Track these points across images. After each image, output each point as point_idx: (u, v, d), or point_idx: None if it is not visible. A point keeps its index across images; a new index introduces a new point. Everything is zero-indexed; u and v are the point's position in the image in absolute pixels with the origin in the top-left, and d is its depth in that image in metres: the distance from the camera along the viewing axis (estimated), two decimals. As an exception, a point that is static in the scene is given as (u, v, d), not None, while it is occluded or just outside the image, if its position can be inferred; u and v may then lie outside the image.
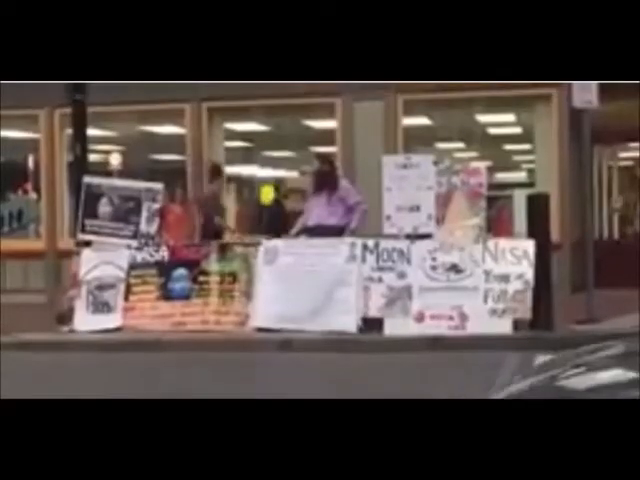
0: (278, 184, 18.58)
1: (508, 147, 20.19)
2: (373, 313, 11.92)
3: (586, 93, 12.19)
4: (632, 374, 3.58)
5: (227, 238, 14.09)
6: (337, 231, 12.66)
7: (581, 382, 3.67)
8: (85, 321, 12.71)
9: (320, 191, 12.99)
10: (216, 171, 14.88)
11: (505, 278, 11.57)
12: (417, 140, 16.75)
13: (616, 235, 17.88)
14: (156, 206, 13.13)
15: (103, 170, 16.41)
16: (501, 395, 3.64)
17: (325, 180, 13.03)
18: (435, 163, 12.39)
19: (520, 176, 19.78)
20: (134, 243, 12.92)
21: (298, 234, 13.05)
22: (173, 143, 17.52)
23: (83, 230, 13.27)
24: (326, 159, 13.62)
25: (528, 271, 11.55)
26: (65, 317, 12.88)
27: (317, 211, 12.91)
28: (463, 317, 11.57)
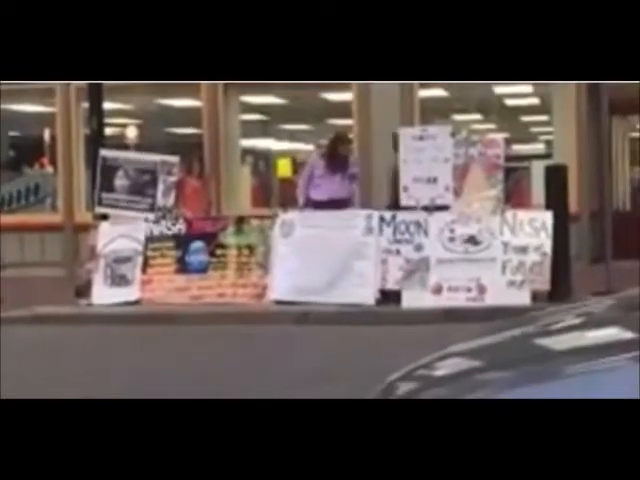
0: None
1: (525, 119, 20.10)
2: (391, 286, 11.91)
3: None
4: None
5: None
6: (346, 203, 12.96)
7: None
8: (103, 294, 12.74)
9: (335, 169, 13.00)
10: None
11: (523, 250, 11.54)
12: (434, 112, 16.68)
13: (632, 206, 17.80)
14: (172, 179, 13.14)
15: (119, 143, 16.40)
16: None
17: (342, 161, 13.11)
18: (452, 135, 12.35)
19: (538, 148, 19.69)
20: (151, 216, 12.93)
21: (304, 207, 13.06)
22: (189, 116, 17.50)
23: (100, 203, 13.29)
24: (346, 140, 13.64)
25: (546, 242, 11.51)
26: (83, 290, 12.92)
27: (331, 187, 12.96)
28: (481, 289, 11.56)
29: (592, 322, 3.89)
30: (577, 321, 3.99)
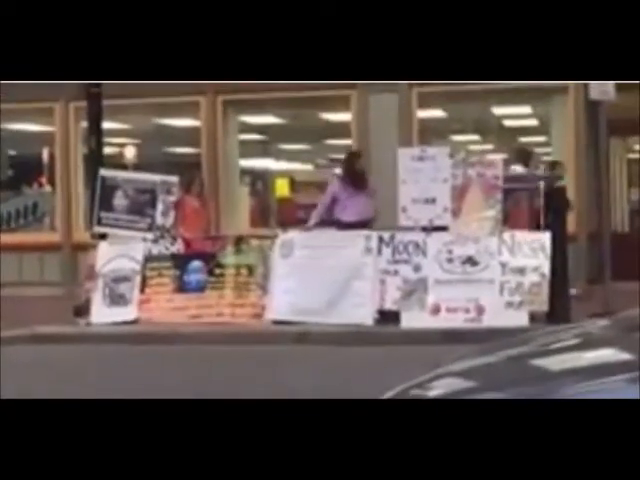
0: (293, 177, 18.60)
1: (524, 139, 20.13)
2: (389, 306, 11.91)
3: (603, 85, 12.14)
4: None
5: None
6: (371, 223, 12.88)
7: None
8: (101, 314, 12.73)
9: (357, 189, 13.03)
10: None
11: (521, 270, 11.54)
12: (432, 132, 16.71)
13: (630, 228, 17.80)
14: (171, 199, 13.15)
15: (118, 163, 16.43)
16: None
17: (361, 178, 13.14)
18: (451, 155, 12.36)
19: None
20: (150, 236, 12.94)
21: (315, 227, 13.07)
22: (188, 136, 17.53)
23: (99, 223, 13.29)
24: (360, 156, 13.72)
25: (544, 263, 11.52)
26: (82, 310, 12.90)
27: (358, 208, 12.93)
28: (479, 310, 11.55)
29: (587, 343, 3.89)
30: (572, 342, 3.99)
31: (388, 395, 3.65)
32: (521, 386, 3.35)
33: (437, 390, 3.55)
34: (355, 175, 13.22)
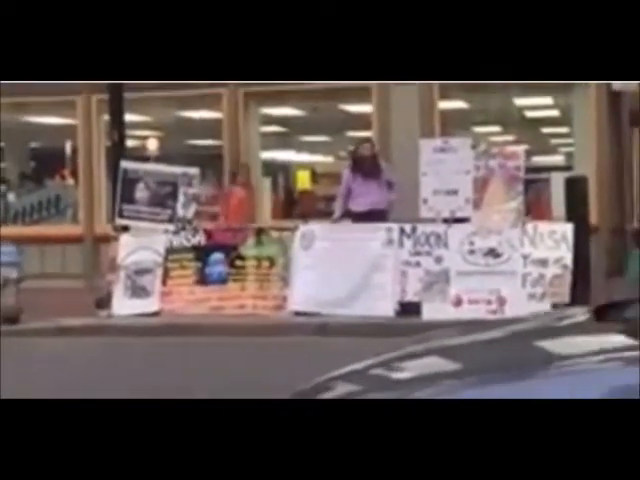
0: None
1: (546, 130, 20.05)
2: (410, 297, 11.90)
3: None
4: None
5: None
6: (384, 214, 12.86)
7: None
8: (123, 306, 12.77)
9: (366, 176, 13.01)
10: None
11: (543, 262, 11.51)
12: (453, 124, 16.65)
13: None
14: (192, 191, 13.18)
15: (140, 155, 16.45)
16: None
17: (372, 165, 13.10)
18: (473, 147, 12.33)
19: (558, 159, 19.64)
20: (171, 227, 12.97)
21: (341, 219, 13.09)
22: (209, 128, 17.53)
23: (121, 215, 13.33)
24: (371, 143, 13.68)
25: (567, 255, 11.48)
26: (103, 302, 12.95)
27: (369, 197, 12.92)
28: (501, 301, 11.53)
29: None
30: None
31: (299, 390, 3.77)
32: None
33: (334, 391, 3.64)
34: (360, 161, 13.20)
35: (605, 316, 3.83)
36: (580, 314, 4.11)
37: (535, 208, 14.31)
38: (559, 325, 4.13)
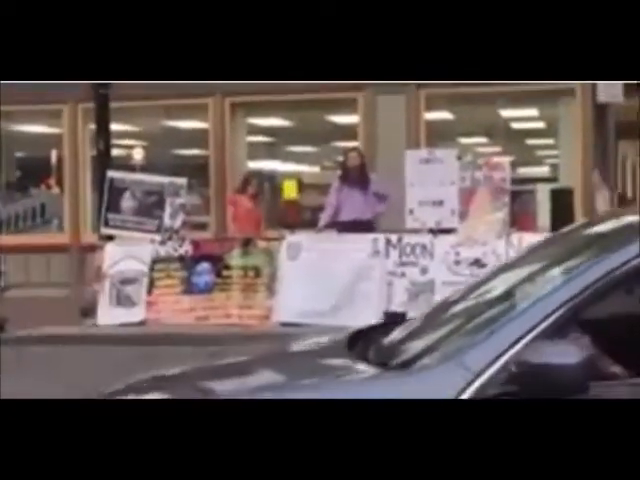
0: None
1: (531, 142, 20.12)
2: (396, 308, 11.89)
3: (611, 88, 12.14)
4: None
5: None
6: (369, 225, 12.86)
7: None
8: (108, 315, 12.75)
9: (352, 186, 13.03)
10: None
11: (529, 273, 11.51)
12: (439, 135, 16.70)
13: None
14: (179, 200, 13.17)
15: (126, 165, 16.44)
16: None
17: (358, 175, 13.12)
18: (458, 158, 12.36)
19: (543, 171, 19.70)
20: (157, 237, 12.96)
21: (326, 228, 13.09)
22: (196, 138, 17.54)
23: (106, 224, 13.31)
24: (358, 153, 13.69)
25: (551, 266, 11.48)
26: (89, 311, 12.92)
27: (353, 206, 12.94)
28: (486, 312, 11.52)
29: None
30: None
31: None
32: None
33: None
34: (347, 170, 13.24)
35: (357, 342, 4.14)
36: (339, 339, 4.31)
37: (520, 219, 14.32)
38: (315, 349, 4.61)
